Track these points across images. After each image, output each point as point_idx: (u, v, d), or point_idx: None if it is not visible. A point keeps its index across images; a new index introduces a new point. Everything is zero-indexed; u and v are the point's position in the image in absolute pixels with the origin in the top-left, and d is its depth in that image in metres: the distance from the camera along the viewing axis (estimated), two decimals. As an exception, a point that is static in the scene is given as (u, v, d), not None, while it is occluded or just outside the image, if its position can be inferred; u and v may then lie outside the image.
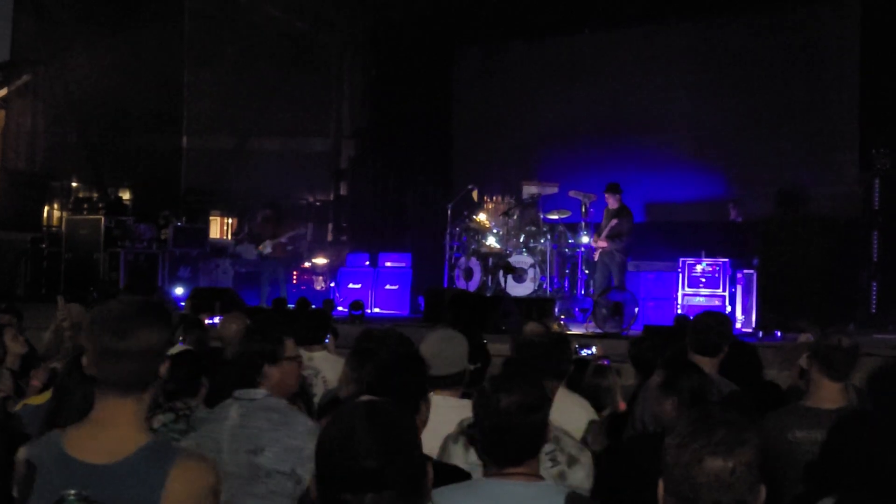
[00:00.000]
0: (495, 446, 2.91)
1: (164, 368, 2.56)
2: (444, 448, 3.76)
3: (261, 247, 14.61)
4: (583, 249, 13.91)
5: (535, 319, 5.26)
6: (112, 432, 2.48)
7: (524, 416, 2.87)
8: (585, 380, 5.24)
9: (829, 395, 4.13)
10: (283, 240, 14.82)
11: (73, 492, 2.26)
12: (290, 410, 3.86)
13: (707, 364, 4.66)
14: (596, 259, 13.31)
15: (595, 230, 13.54)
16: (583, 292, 13.95)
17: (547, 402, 2.98)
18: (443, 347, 4.23)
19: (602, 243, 13.08)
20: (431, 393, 3.95)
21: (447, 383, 4.15)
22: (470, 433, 3.55)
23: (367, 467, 2.06)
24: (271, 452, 3.68)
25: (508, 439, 2.87)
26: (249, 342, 3.97)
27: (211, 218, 17.39)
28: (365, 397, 3.40)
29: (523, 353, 4.71)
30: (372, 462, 2.06)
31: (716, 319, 4.98)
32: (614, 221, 13.05)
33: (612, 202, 13.14)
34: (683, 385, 3.87)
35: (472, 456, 3.44)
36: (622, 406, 5.31)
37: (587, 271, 13.91)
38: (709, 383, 4.07)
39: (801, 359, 5.11)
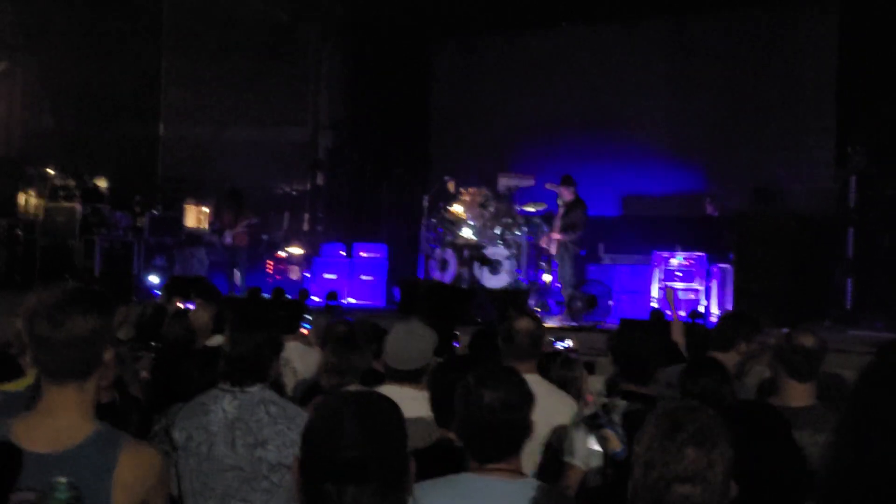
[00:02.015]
0: (477, 442, 2.87)
1: (108, 355, 2.52)
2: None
3: (221, 236, 14.68)
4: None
5: (525, 311, 5.17)
6: (58, 421, 2.46)
7: (507, 414, 2.83)
8: (553, 371, 5.18)
9: (795, 393, 4.07)
10: (239, 229, 14.79)
11: (63, 479, 2.23)
12: (286, 403, 3.81)
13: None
14: (554, 252, 13.29)
15: (551, 222, 13.52)
16: (558, 284, 13.90)
17: (531, 399, 2.92)
18: (408, 341, 4.16)
19: (557, 235, 13.06)
20: (389, 384, 3.98)
21: (408, 377, 4.07)
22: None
23: (351, 459, 2.02)
24: (274, 446, 3.61)
25: (490, 436, 2.83)
26: (250, 334, 3.80)
27: (186, 207, 17.21)
28: (353, 387, 3.30)
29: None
30: (356, 453, 2.02)
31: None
32: (563, 212, 13.08)
33: (567, 194, 13.13)
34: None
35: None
36: (589, 398, 5.23)
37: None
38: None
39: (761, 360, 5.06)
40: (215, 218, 16.10)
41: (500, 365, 3.41)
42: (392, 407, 2.14)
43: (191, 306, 7.19)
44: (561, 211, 13.24)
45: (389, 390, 3.63)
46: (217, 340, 5.50)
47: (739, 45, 15.96)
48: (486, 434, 2.83)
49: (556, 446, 4.09)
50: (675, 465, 2.17)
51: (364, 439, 2.03)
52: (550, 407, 4.33)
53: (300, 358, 6.06)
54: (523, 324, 4.60)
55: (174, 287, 12.13)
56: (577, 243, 13.12)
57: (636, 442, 2.28)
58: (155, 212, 16.15)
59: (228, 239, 14.67)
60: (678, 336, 6.28)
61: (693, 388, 4.02)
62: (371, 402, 2.13)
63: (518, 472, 2.87)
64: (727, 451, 2.21)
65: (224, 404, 3.71)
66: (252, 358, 3.75)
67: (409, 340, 4.16)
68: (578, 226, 13.03)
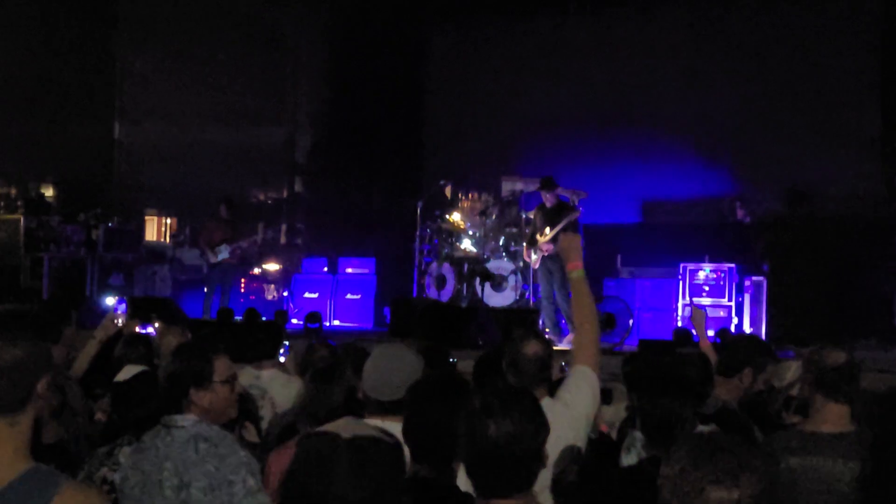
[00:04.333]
0: (481, 476, 2.88)
1: (41, 386, 2.54)
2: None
3: (215, 251, 14.47)
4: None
5: (534, 333, 5.17)
6: None
7: (517, 446, 2.83)
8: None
9: (830, 417, 4.15)
10: (243, 244, 14.76)
11: None
12: (222, 439, 3.81)
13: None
14: (537, 266, 13.17)
15: (533, 233, 13.32)
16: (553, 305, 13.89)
17: (545, 428, 2.93)
18: (389, 368, 4.06)
19: (548, 246, 12.87)
20: (369, 417, 3.91)
21: (390, 409, 3.92)
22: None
23: None
24: (198, 488, 3.66)
25: (496, 470, 2.84)
26: (175, 362, 3.92)
27: (147, 218, 17.25)
28: (343, 420, 3.35)
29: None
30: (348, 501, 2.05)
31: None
32: (549, 219, 12.88)
33: (550, 199, 13.02)
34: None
35: None
36: (603, 428, 5.29)
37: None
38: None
39: (791, 379, 5.15)
40: (180, 230, 16.05)
41: (510, 387, 3.39)
42: (389, 452, 2.17)
43: (150, 330, 7.27)
44: (541, 219, 13.05)
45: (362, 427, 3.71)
46: (131, 371, 5.56)
47: (771, 29, 16.00)
48: (493, 468, 2.84)
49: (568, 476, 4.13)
50: (709, 469, 2.23)
51: (358, 489, 2.07)
52: (562, 433, 4.39)
53: (279, 388, 6.11)
54: (531, 347, 4.57)
55: (134, 309, 12.22)
56: None
57: (660, 478, 2.32)
58: (111, 224, 16.17)
59: (226, 254, 14.55)
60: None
61: (652, 410, 4.04)
62: (366, 448, 2.16)
63: None
64: (758, 486, 2.24)
65: (158, 441, 3.79)
66: (171, 388, 3.86)
67: (391, 367, 4.05)
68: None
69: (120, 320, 6.83)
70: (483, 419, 2.85)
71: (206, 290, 14.79)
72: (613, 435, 5.34)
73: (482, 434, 2.84)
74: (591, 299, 4.30)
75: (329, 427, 3.40)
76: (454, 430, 3.15)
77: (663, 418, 3.94)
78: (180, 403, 3.84)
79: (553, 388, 4.89)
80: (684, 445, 2.33)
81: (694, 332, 7.08)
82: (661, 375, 4.27)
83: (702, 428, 4.03)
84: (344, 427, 3.22)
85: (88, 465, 4.27)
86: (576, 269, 4.41)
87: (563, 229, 12.45)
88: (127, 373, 4.91)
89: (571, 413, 4.46)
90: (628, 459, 4.47)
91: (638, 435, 4.47)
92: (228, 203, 14.99)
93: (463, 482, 3.14)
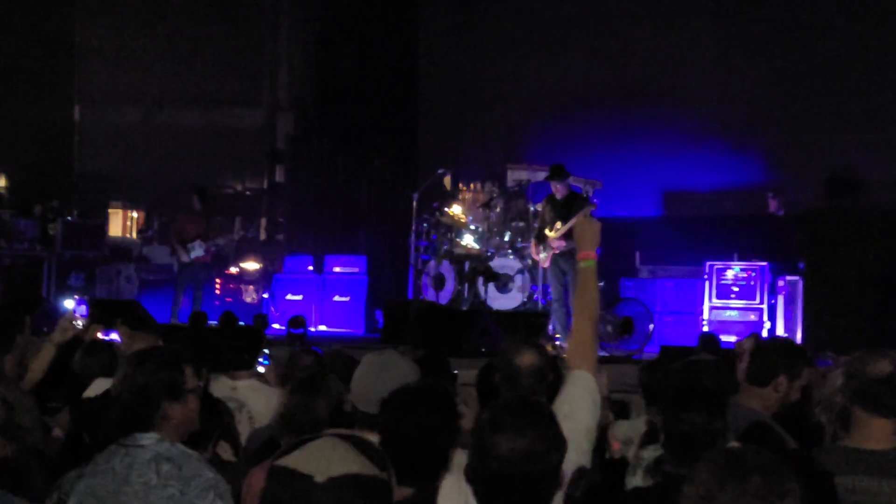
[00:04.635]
0: (490, 499, 2.90)
1: None
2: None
3: (187, 248, 14.47)
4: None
5: (527, 341, 5.16)
6: None
7: (529, 466, 2.85)
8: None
9: (873, 432, 4.15)
10: (220, 241, 14.78)
11: None
12: (186, 459, 3.80)
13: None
14: (546, 265, 13.17)
15: (542, 227, 13.30)
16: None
17: (562, 445, 2.95)
18: (380, 378, 4.07)
19: (559, 243, 12.86)
20: (358, 431, 3.90)
21: (376, 423, 3.85)
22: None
23: None
24: None
25: (507, 492, 2.86)
26: (143, 372, 3.89)
27: (111, 211, 17.27)
28: (322, 441, 3.34)
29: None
30: None
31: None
32: (560, 212, 12.84)
33: (561, 189, 13.01)
34: None
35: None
36: (615, 447, 5.31)
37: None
38: None
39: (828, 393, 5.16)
40: (147, 225, 16.05)
41: (523, 399, 3.39)
42: (370, 488, 2.18)
43: (114, 336, 7.27)
44: (551, 212, 13.06)
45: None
46: (102, 385, 5.58)
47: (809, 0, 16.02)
48: (503, 489, 2.85)
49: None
50: (739, 490, 2.24)
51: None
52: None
53: (258, 401, 6.13)
54: (525, 358, 4.60)
55: (97, 311, 12.23)
56: None
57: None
58: (70, 218, 16.18)
59: (200, 251, 14.55)
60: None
61: (678, 425, 4.05)
62: (344, 488, 2.15)
63: None
64: None
65: (115, 463, 3.76)
66: (140, 402, 3.83)
67: (383, 377, 4.05)
68: None
69: (79, 322, 6.83)
70: (493, 435, 2.87)
71: (175, 291, 14.80)
72: (632, 453, 5.35)
73: (494, 453, 2.85)
74: (596, 295, 4.29)
75: (309, 449, 3.39)
76: (435, 445, 3.16)
77: (690, 434, 3.93)
78: (151, 419, 3.85)
79: (551, 398, 4.92)
80: (709, 464, 2.34)
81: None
82: (685, 386, 4.28)
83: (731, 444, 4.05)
84: (322, 452, 3.19)
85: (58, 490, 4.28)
86: (587, 259, 4.37)
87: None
88: (98, 387, 4.91)
89: (572, 426, 4.43)
90: (634, 481, 4.48)
91: (646, 454, 4.49)
92: (201, 194, 14.99)
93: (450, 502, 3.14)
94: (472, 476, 2.93)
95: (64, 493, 3.90)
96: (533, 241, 13.38)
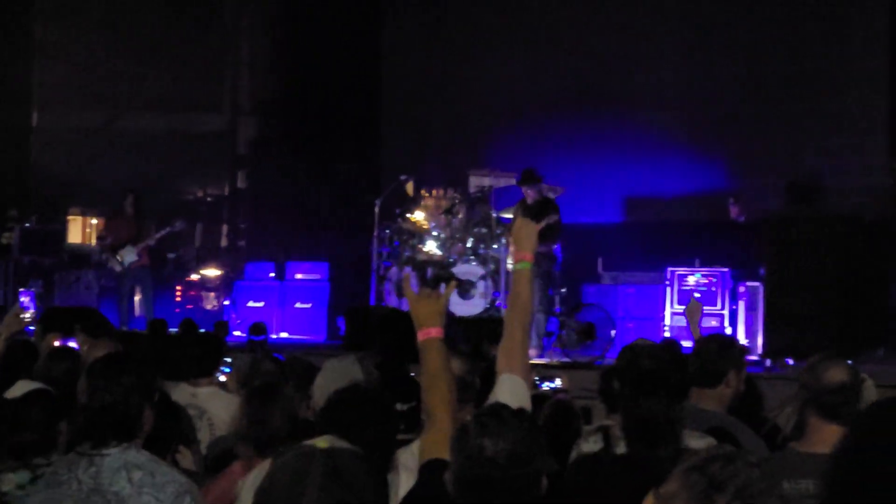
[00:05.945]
0: (474, 501, 2.92)
1: None
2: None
3: (120, 254, 14.42)
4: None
5: (462, 350, 5.20)
6: None
7: (514, 469, 2.88)
8: (541, 421, 5.29)
9: (826, 437, 4.18)
10: (150, 242, 14.70)
11: None
12: (156, 466, 3.81)
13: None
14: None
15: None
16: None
17: (543, 448, 2.98)
18: (340, 384, 4.11)
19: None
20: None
21: None
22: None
23: None
24: None
25: (491, 495, 2.89)
26: (115, 380, 3.88)
27: (69, 218, 17.16)
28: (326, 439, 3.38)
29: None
30: None
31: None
32: (543, 222, 12.87)
33: (531, 194, 13.09)
34: None
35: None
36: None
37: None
38: None
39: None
40: (107, 231, 15.97)
41: (505, 406, 3.44)
42: (366, 468, 2.24)
43: (72, 344, 7.24)
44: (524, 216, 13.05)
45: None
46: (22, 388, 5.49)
47: (774, 6, 16.11)
48: (486, 493, 2.88)
49: None
50: None
51: (329, 494, 2.12)
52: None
53: (219, 408, 6.13)
54: (453, 365, 4.68)
55: (53, 321, 12.15)
56: (551, 257, 13.04)
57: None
58: (28, 224, 16.10)
59: (133, 256, 14.49)
60: None
61: (635, 412, 4.09)
62: (342, 465, 2.21)
63: None
64: None
65: (79, 473, 3.73)
66: (118, 410, 3.82)
67: (342, 383, 4.11)
68: (556, 233, 12.92)
69: (27, 315, 6.77)
70: (478, 439, 2.90)
71: (118, 299, 14.74)
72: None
73: (476, 455, 2.88)
74: (529, 298, 4.29)
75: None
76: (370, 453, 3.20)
77: (647, 420, 4.00)
78: (135, 426, 3.85)
79: (480, 403, 4.97)
80: (678, 478, 2.35)
81: (687, 326, 7.19)
82: (641, 375, 4.34)
83: (698, 444, 4.09)
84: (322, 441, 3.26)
85: None
86: (523, 261, 4.36)
87: (549, 226, 12.48)
88: (20, 389, 4.79)
89: None
90: (588, 447, 4.52)
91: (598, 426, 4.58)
92: (136, 197, 14.97)
93: None
94: (455, 482, 2.95)
95: (8, 497, 3.90)
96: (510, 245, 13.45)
